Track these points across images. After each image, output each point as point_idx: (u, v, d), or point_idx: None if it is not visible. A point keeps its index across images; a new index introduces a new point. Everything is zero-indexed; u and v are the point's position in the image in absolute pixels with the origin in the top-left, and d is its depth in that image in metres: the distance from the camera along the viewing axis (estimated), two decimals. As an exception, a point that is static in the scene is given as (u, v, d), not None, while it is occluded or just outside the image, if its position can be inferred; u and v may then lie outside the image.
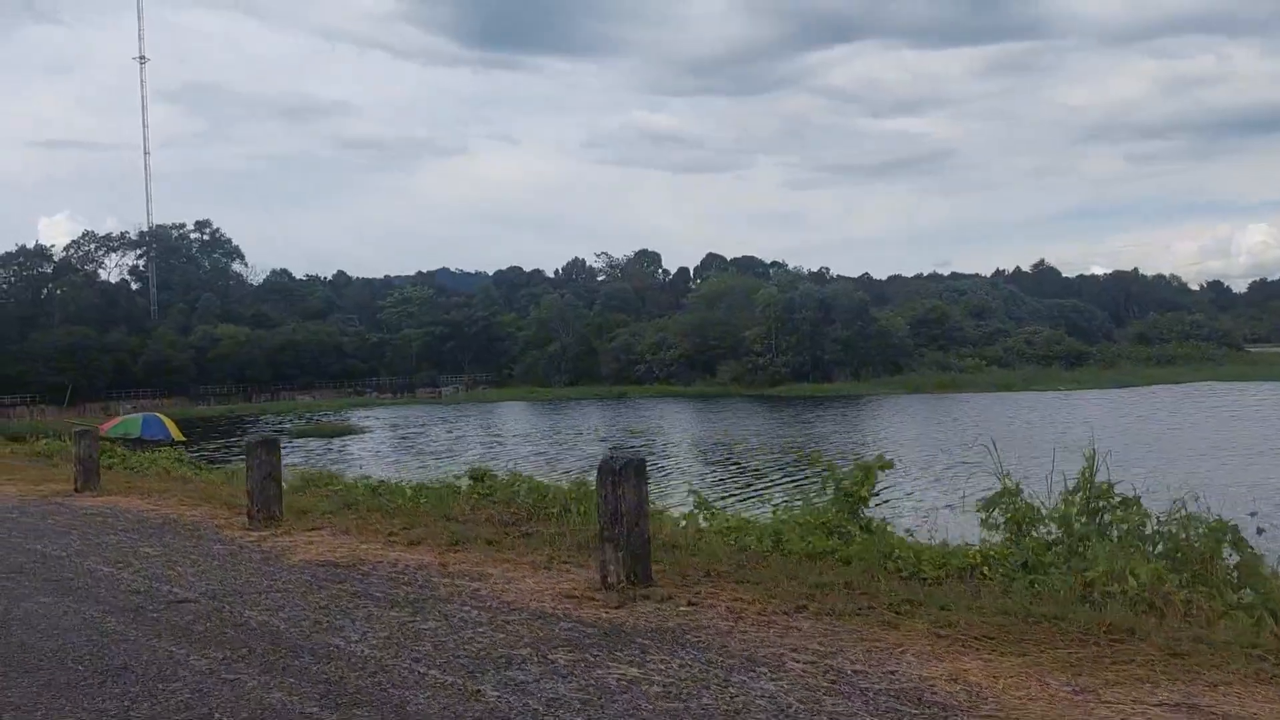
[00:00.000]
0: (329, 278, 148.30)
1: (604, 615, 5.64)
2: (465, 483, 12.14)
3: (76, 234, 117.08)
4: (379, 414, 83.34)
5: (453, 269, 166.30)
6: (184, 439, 32.62)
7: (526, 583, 6.58)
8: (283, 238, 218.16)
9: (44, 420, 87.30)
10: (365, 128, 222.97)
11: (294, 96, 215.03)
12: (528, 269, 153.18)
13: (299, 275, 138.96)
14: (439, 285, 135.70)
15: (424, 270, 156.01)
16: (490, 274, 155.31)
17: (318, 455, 44.92)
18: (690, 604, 5.77)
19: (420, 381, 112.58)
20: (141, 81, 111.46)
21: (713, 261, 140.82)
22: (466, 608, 5.95)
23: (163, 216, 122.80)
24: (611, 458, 6.18)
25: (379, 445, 53.81)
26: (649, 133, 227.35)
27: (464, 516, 9.93)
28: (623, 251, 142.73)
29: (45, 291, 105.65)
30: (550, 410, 78.43)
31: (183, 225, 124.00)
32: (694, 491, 8.37)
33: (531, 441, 49.47)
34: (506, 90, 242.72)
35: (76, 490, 13.04)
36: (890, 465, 8.03)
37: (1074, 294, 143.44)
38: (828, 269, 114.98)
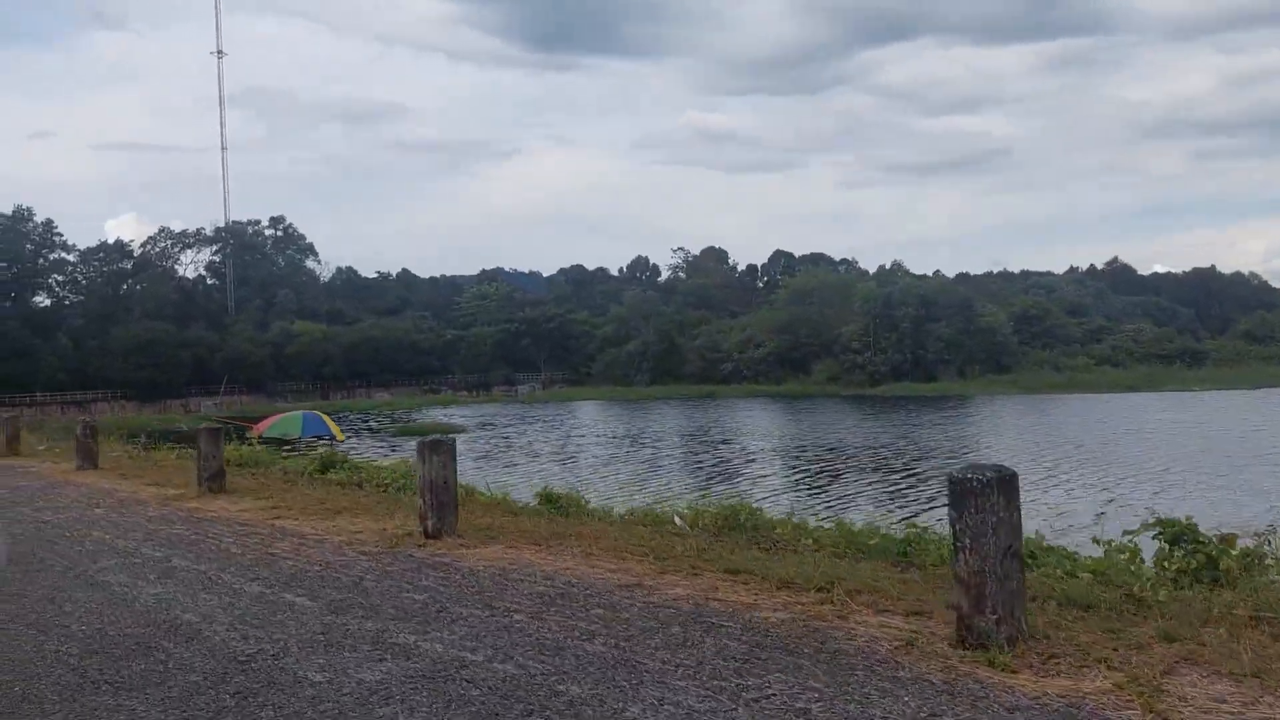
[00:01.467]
0: (393, 275, 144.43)
1: None
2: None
3: (144, 235, 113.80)
4: (460, 412, 78.94)
5: (508, 268, 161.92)
6: (344, 438, 28.10)
7: None
8: (344, 239, 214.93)
9: (126, 415, 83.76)
10: (423, 130, 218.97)
11: (353, 100, 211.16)
12: (590, 267, 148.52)
13: (363, 274, 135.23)
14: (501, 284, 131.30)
15: (486, 269, 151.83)
16: (544, 274, 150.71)
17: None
18: None
19: (496, 380, 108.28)
20: (219, 76, 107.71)
21: (781, 258, 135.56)
22: None
23: (219, 218, 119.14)
24: None
25: (489, 448, 48.87)
26: (703, 132, 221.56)
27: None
28: (679, 249, 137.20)
29: (125, 287, 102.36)
30: (646, 411, 73.43)
31: (258, 221, 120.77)
32: None
33: (689, 449, 44.24)
34: (562, 92, 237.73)
35: (429, 535, 8.29)
36: None
37: (1151, 291, 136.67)
38: (900, 264, 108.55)
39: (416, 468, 8.53)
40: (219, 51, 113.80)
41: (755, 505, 10.35)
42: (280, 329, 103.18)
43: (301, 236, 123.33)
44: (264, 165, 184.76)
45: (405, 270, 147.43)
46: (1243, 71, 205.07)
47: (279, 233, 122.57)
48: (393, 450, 45.59)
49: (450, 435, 8.64)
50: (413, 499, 11.93)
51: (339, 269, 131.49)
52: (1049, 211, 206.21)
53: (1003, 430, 46.34)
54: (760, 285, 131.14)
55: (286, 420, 25.30)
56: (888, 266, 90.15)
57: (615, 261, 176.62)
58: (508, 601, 6.07)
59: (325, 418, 26.59)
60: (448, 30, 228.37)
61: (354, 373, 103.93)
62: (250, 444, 18.93)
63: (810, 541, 8.22)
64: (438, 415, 76.21)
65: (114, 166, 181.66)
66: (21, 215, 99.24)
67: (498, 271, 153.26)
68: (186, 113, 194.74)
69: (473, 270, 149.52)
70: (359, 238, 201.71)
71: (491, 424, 64.51)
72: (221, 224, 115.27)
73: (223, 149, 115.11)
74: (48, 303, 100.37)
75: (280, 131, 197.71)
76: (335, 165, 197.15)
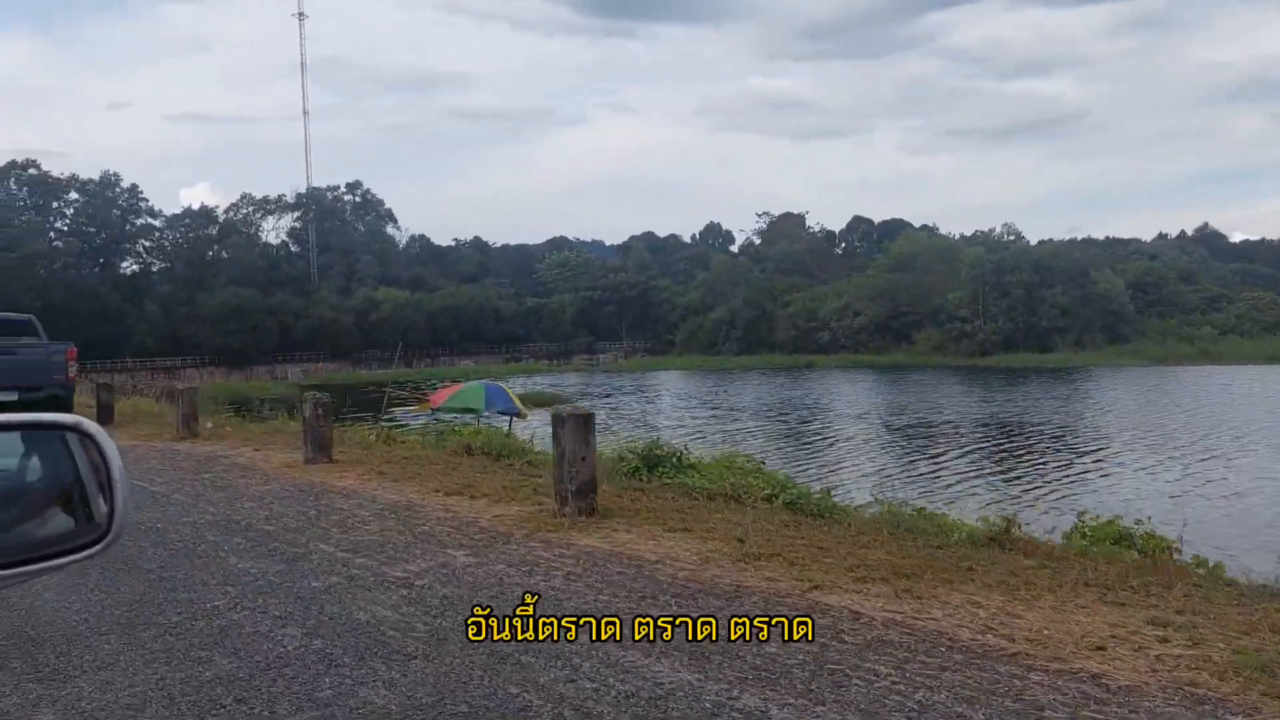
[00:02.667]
0: (465, 241, 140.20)
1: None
2: None
3: (221, 204, 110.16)
4: (547, 381, 74.76)
5: (570, 237, 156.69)
6: (528, 414, 23.68)
7: None
8: (411, 207, 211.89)
9: (216, 382, 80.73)
10: (485, 99, 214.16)
11: (417, 69, 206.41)
12: (659, 235, 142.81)
13: (435, 242, 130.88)
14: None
15: (553, 237, 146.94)
16: (606, 243, 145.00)
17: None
18: None
19: (576, 348, 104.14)
20: (300, 39, 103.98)
21: (860, 225, 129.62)
22: None
23: (295, 186, 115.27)
24: None
25: (605, 420, 43.96)
26: (766, 99, 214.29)
27: None
28: (764, 214, 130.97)
29: (211, 254, 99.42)
30: (746, 381, 68.35)
31: (336, 187, 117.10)
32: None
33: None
34: (623, 59, 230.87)
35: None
36: None
37: (1244, 258, 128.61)
38: (1011, 227, 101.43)
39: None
40: (300, 14, 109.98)
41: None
42: (364, 296, 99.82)
43: (380, 202, 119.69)
44: (331, 134, 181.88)
45: (477, 237, 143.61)
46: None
47: (357, 198, 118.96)
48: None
49: None
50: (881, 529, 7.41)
51: (413, 236, 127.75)
52: (1125, 177, 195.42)
53: (1174, 405, 40.78)
54: (838, 252, 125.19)
55: (468, 392, 20.76)
56: (989, 231, 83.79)
57: (679, 229, 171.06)
58: None
59: (506, 389, 22.17)
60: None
61: (436, 340, 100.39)
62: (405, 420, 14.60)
63: None
64: (526, 383, 72.25)
65: (188, 136, 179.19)
66: (108, 181, 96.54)
67: (563, 240, 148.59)
68: (256, 82, 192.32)
69: (537, 239, 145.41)
70: (425, 206, 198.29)
71: (588, 393, 60.10)
72: (302, 190, 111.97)
73: (305, 113, 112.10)
74: (135, 268, 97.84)
75: (347, 100, 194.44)
76: (401, 134, 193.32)
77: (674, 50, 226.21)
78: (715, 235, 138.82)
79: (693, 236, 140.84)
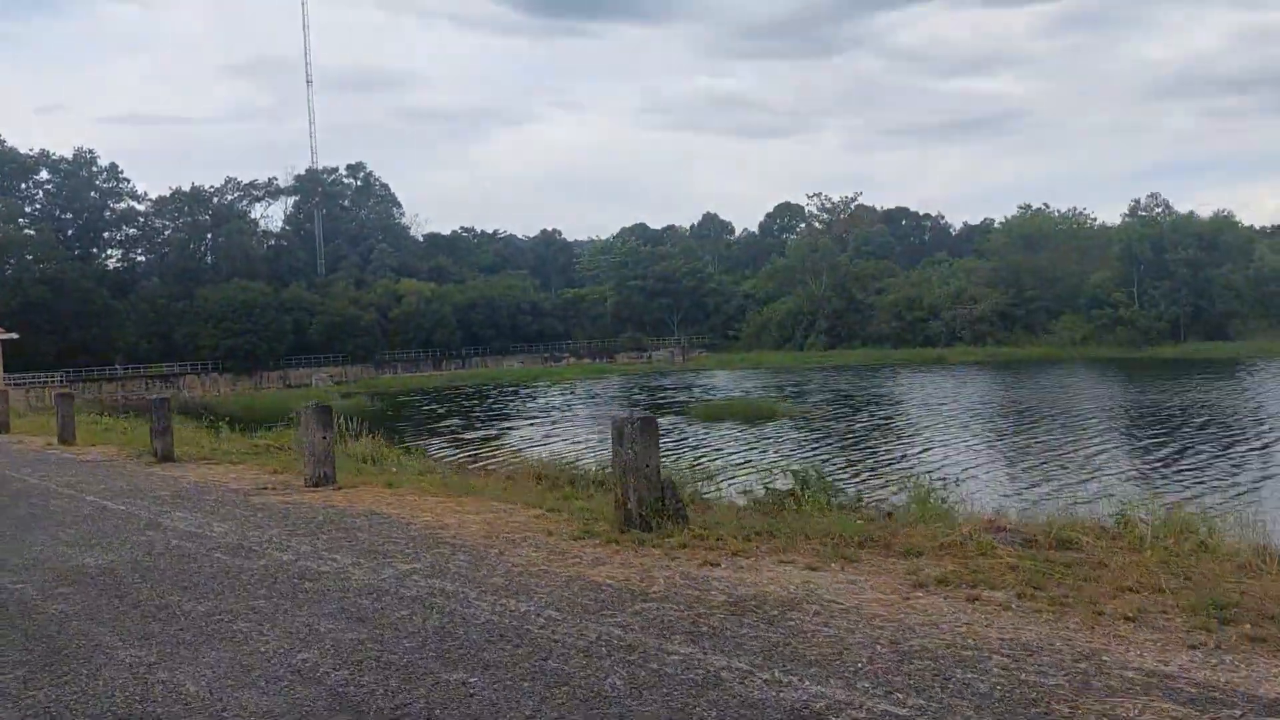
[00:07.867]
0: (474, 230, 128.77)
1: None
2: None
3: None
4: (651, 382, 64.79)
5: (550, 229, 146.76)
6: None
7: None
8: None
9: (223, 394, 69.14)
10: (433, 98, 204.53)
11: (361, 68, 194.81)
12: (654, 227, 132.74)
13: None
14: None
15: (546, 229, 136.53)
16: (569, 238, 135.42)
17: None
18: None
19: (622, 345, 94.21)
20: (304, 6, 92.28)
21: (864, 214, 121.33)
22: None
23: (290, 168, 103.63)
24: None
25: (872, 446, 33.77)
26: (713, 97, 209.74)
27: None
28: (815, 195, 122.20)
29: (205, 242, 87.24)
30: (910, 378, 58.45)
31: (334, 169, 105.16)
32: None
33: None
34: (570, 58, 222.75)
35: None
36: None
37: None
38: (1158, 197, 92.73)
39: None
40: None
41: None
42: (383, 289, 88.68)
43: (385, 185, 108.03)
44: (273, 134, 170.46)
45: (471, 228, 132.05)
46: (1257, 27, 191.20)
47: (359, 182, 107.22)
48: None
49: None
50: None
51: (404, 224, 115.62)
52: (1064, 172, 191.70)
53: None
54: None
55: None
56: (1141, 202, 75.90)
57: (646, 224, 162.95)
58: None
59: None
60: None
61: (468, 337, 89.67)
62: None
63: None
64: (593, 384, 62.44)
65: (122, 139, 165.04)
66: (83, 159, 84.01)
67: (555, 234, 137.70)
68: (189, 85, 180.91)
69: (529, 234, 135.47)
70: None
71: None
72: (301, 172, 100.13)
73: (308, 81, 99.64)
74: (117, 258, 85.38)
75: (288, 101, 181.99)
76: (344, 133, 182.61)
77: (621, 49, 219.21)
78: (714, 225, 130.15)
79: (691, 226, 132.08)
